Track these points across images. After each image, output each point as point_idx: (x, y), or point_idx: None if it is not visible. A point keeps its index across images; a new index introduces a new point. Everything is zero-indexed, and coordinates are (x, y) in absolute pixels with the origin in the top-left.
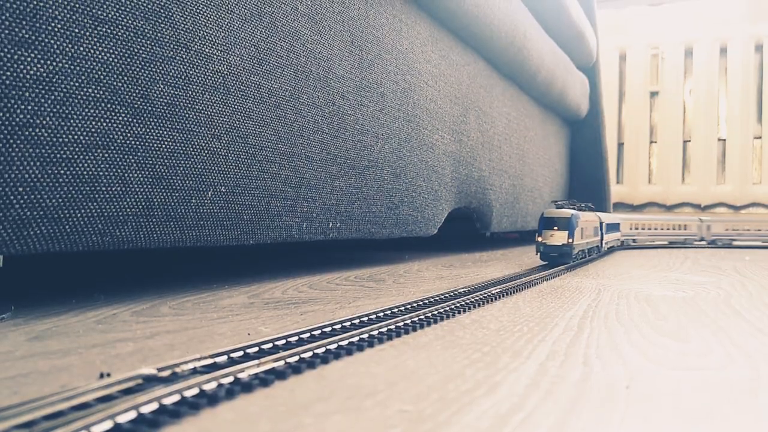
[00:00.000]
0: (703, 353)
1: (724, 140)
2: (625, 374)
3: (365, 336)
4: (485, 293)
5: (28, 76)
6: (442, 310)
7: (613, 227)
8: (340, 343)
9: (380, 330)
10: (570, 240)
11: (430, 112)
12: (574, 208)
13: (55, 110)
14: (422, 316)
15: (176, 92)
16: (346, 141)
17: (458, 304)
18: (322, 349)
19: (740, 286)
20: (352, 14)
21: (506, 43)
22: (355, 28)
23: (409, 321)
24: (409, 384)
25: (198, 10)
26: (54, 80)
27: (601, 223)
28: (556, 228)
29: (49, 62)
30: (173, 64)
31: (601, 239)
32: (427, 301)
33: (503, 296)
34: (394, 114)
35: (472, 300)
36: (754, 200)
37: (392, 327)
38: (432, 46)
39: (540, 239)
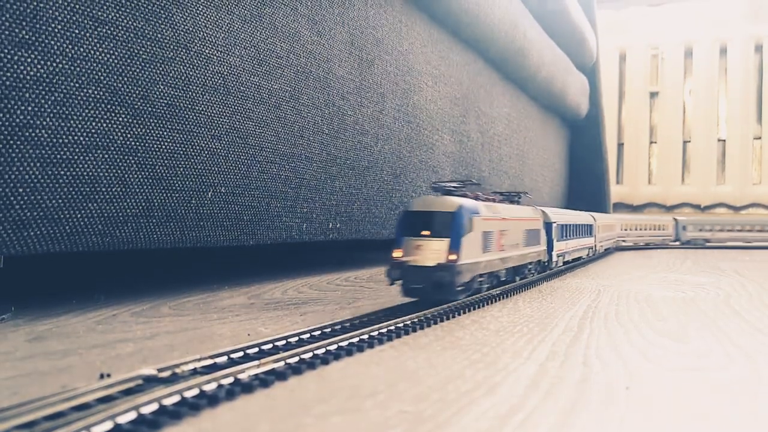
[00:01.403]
0: (703, 354)
1: (724, 140)
2: (625, 375)
3: (365, 337)
4: (485, 295)
5: (28, 77)
6: (441, 311)
7: (579, 230)
8: (340, 344)
9: (380, 331)
10: (453, 256)
11: (430, 113)
12: (471, 195)
13: (55, 111)
14: (422, 317)
15: (176, 93)
16: (345, 142)
17: (457, 305)
18: (322, 350)
19: (740, 286)
20: (351, 15)
21: (506, 44)
22: (355, 29)
23: (408, 321)
24: (409, 385)
25: (198, 12)
26: (54, 81)
27: (548, 225)
28: (427, 233)
29: (49, 63)
30: (173, 65)
31: (550, 249)
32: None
33: (503, 297)
34: (394, 115)
35: (472, 301)
36: (754, 200)
37: (392, 327)
38: (432, 47)
39: (398, 255)
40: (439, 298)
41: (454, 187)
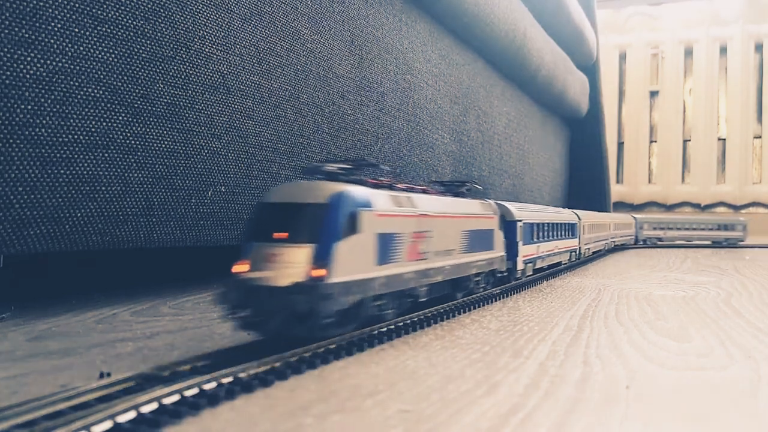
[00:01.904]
0: (703, 353)
1: (724, 140)
2: (626, 374)
3: (365, 336)
4: (486, 293)
5: (28, 76)
6: (441, 310)
7: (557, 231)
8: (340, 343)
9: (380, 329)
10: (321, 271)
11: (430, 112)
12: (370, 182)
13: (55, 110)
14: (422, 316)
15: (176, 92)
16: (345, 140)
17: (457, 304)
18: (322, 349)
19: (740, 285)
20: (351, 14)
21: (506, 42)
22: (355, 28)
23: (408, 320)
24: (409, 384)
25: (198, 10)
26: (54, 80)
27: (511, 224)
28: (283, 236)
29: (49, 62)
30: (173, 63)
31: (513, 254)
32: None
33: (503, 297)
34: (394, 114)
35: (472, 300)
36: (754, 199)
37: (392, 326)
38: (432, 46)
39: (242, 269)
40: (300, 336)
41: (341, 169)
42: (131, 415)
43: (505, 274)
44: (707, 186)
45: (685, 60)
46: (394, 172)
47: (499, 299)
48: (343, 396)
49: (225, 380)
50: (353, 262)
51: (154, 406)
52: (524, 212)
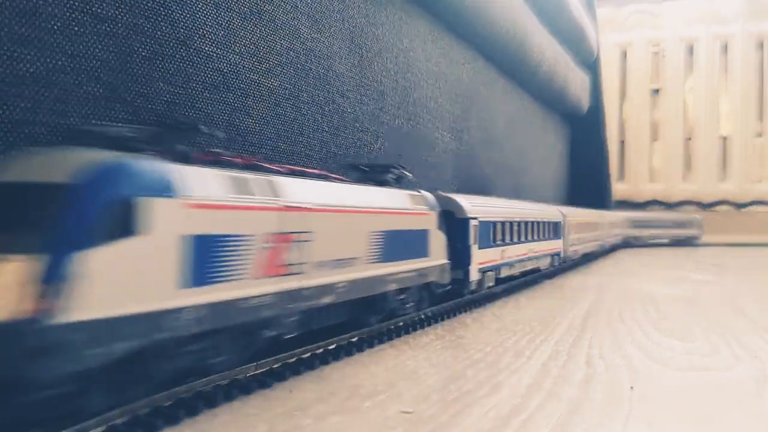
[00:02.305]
0: (708, 353)
1: (726, 138)
2: (629, 375)
3: (364, 336)
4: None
5: (27, 74)
6: (442, 309)
7: (532, 231)
8: (339, 344)
9: (380, 330)
10: (49, 301)
11: (431, 110)
12: (184, 154)
13: (53, 108)
14: (422, 315)
15: (175, 90)
16: (346, 139)
17: (458, 304)
18: (321, 350)
19: (745, 284)
20: (351, 12)
21: (506, 40)
22: (355, 26)
23: (408, 320)
24: (410, 385)
25: (197, 8)
26: (52, 78)
27: (462, 222)
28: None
29: (48, 60)
30: (172, 62)
31: (465, 260)
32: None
33: (504, 295)
34: (394, 112)
35: (473, 299)
36: (756, 198)
37: (392, 326)
38: (432, 44)
39: None
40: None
41: (152, 135)
42: (129, 416)
43: (449, 287)
44: (709, 184)
45: (686, 58)
46: (220, 138)
47: (500, 298)
48: (343, 396)
49: (222, 382)
50: (126, 284)
51: (151, 408)
52: (481, 207)
